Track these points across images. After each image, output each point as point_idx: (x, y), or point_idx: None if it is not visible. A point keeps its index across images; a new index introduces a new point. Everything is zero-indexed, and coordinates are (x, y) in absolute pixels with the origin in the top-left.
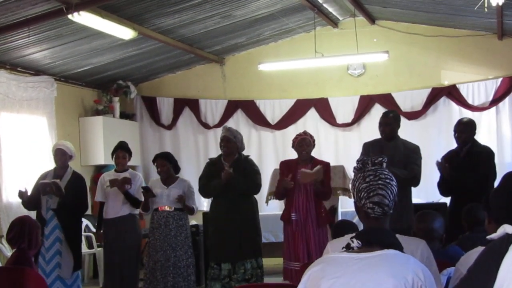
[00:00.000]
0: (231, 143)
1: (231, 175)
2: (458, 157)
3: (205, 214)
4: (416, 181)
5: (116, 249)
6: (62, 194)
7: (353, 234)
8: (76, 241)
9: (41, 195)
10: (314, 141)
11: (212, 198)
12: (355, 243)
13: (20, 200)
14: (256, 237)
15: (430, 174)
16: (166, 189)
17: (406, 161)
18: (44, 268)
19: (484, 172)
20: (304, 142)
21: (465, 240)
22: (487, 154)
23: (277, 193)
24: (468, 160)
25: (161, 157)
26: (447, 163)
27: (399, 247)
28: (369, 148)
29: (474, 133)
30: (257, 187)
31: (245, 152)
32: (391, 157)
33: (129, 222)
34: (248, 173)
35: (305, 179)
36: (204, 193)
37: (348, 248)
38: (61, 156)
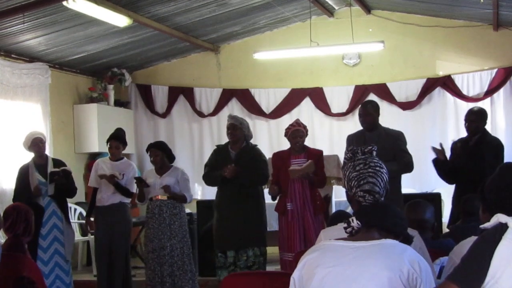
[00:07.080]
0: (238, 130)
1: (236, 171)
2: (467, 146)
3: (199, 202)
4: (410, 168)
5: (106, 236)
6: (71, 181)
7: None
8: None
9: (49, 183)
10: (307, 130)
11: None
12: (355, 223)
13: (13, 188)
14: (260, 225)
15: (423, 164)
16: (159, 178)
17: (393, 149)
18: (42, 258)
19: (491, 163)
20: (297, 134)
21: (457, 230)
22: (495, 145)
23: (271, 194)
24: (476, 150)
25: (154, 146)
26: (457, 149)
27: (401, 227)
28: (352, 140)
29: (485, 123)
30: (264, 178)
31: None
32: None
33: (120, 210)
34: (255, 163)
35: (294, 175)
36: (206, 182)
37: (348, 225)
38: (41, 143)
